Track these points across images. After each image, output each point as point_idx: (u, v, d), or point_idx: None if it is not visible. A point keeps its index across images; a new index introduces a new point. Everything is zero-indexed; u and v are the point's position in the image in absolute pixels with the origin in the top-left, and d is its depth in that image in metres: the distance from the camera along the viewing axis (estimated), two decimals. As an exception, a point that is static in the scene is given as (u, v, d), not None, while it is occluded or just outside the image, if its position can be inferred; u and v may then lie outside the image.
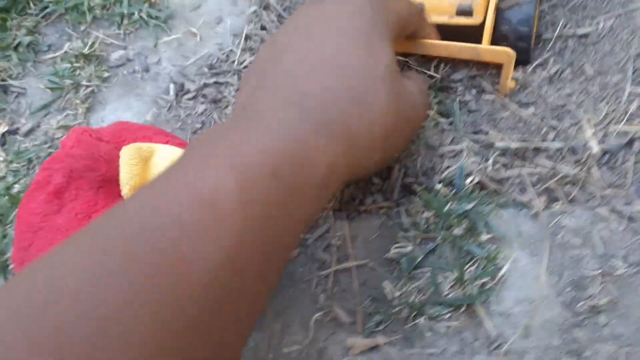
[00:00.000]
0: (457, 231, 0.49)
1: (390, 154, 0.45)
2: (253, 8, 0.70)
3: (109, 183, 0.42)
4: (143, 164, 0.42)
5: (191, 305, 0.23)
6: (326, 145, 0.32)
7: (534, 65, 0.65)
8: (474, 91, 0.60)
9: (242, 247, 0.25)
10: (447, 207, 0.49)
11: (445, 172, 0.52)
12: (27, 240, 0.40)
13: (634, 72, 0.57)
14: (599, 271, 0.46)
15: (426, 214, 0.50)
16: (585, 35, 0.66)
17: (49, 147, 0.64)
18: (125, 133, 0.47)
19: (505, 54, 0.55)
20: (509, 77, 0.57)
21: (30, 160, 0.63)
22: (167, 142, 0.47)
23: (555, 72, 0.63)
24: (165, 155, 0.43)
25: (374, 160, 0.41)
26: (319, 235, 0.54)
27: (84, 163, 0.41)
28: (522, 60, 0.63)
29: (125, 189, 0.41)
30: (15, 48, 0.68)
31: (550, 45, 0.67)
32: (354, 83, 0.37)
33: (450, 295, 0.46)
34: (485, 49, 0.55)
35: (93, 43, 0.68)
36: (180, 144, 0.49)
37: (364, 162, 0.39)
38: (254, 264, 0.26)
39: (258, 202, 0.26)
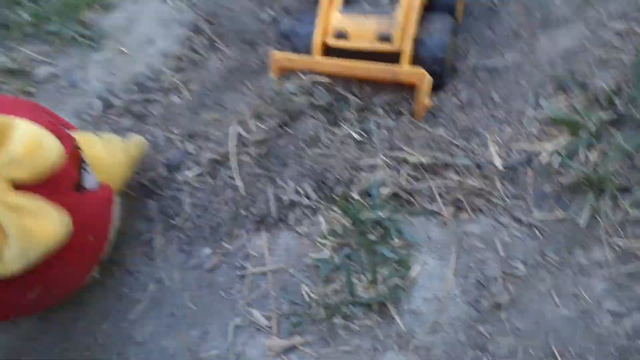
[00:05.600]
0: (372, 237, 0.51)
1: None
2: (184, 31, 0.72)
3: None
4: None
5: None
6: None
7: (447, 92, 0.70)
8: (392, 115, 0.64)
9: None
10: (363, 216, 0.52)
11: (362, 184, 0.54)
12: None
13: (535, 100, 0.62)
14: (501, 272, 0.50)
15: (343, 222, 0.53)
16: (494, 68, 0.72)
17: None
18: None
19: (419, 74, 0.59)
20: (424, 97, 0.61)
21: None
22: (46, 122, 0.42)
23: (467, 100, 0.69)
24: (25, 130, 0.40)
25: None
26: (240, 245, 0.55)
27: None
28: (437, 85, 0.68)
29: None
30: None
31: (463, 75, 0.73)
32: None
33: (364, 296, 0.48)
34: (402, 70, 0.60)
35: (18, 58, 0.68)
36: (65, 125, 0.46)
37: None
38: None
39: None
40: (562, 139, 0.55)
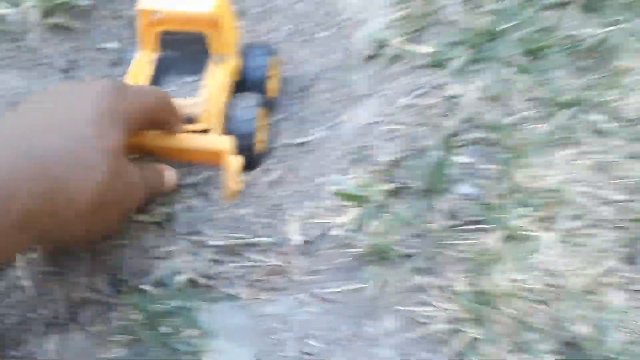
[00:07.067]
0: (164, 329, 0.50)
1: (99, 228, 0.48)
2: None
3: None
4: None
5: None
6: (28, 192, 0.38)
7: (260, 171, 0.72)
8: (201, 197, 0.63)
9: None
10: (155, 307, 0.50)
11: (156, 273, 0.53)
12: None
13: (334, 174, 0.64)
14: (297, 352, 0.50)
15: (136, 316, 0.51)
16: (303, 144, 0.75)
17: None
18: None
19: (223, 144, 0.60)
20: (232, 177, 0.61)
21: None
22: None
23: (277, 177, 0.70)
24: None
25: (79, 229, 0.45)
26: (28, 351, 0.51)
27: None
28: (251, 164, 0.70)
29: None
30: None
31: (276, 153, 0.75)
32: (76, 154, 0.42)
33: (153, 395, 0.46)
34: (204, 143, 0.60)
35: None
36: None
37: (67, 227, 0.42)
38: None
39: None
40: (352, 212, 0.57)
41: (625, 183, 0.55)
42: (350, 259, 0.55)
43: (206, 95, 0.67)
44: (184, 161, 0.62)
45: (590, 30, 0.64)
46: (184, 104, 0.65)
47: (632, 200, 0.54)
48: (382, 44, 0.77)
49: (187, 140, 0.60)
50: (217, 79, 0.69)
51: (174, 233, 0.58)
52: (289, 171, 0.71)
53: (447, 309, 0.50)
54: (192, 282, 0.54)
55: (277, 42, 0.93)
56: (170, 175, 0.57)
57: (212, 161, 0.62)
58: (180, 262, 0.54)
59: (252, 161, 0.71)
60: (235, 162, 0.61)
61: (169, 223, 0.59)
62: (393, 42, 0.72)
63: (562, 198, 0.53)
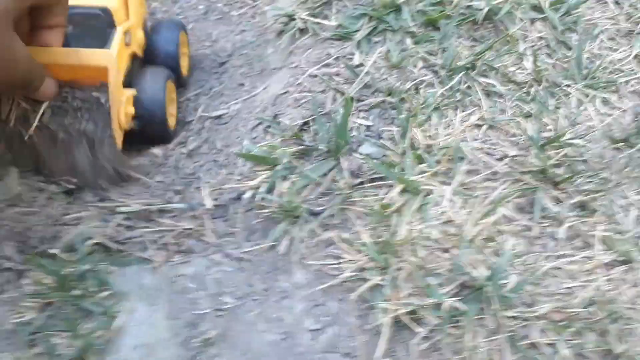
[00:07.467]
0: (75, 292, 0.50)
1: None
2: None
3: None
4: None
5: None
6: None
7: (175, 144, 0.73)
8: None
9: None
10: (66, 271, 0.50)
11: (66, 238, 0.53)
12: None
13: (248, 142, 0.66)
14: (211, 309, 0.51)
15: (48, 280, 0.51)
16: (219, 117, 0.76)
17: None
18: None
19: (104, 57, 0.57)
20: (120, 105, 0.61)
21: None
22: None
23: (193, 148, 0.71)
24: None
25: None
26: None
27: None
28: (162, 138, 0.70)
29: None
30: None
31: (192, 126, 0.76)
32: None
33: (65, 354, 0.47)
34: (84, 57, 0.55)
35: None
36: None
37: None
38: None
39: None
40: (263, 175, 0.59)
41: (517, 140, 0.60)
42: (262, 219, 0.57)
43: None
44: (64, 80, 0.55)
45: (483, 2, 0.69)
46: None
47: (523, 155, 0.59)
48: (290, 19, 0.79)
49: (66, 54, 0.55)
50: (118, 47, 0.67)
51: (83, 201, 0.58)
52: (204, 143, 0.72)
53: (354, 260, 0.52)
54: (103, 247, 0.54)
55: (192, 21, 0.94)
56: (50, 82, 0.53)
57: (93, 78, 0.56)
58: (90, 228, 0.54)
59: (164, 134, 0.71)
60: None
61: (77, 192, 0.59)
62: (300, 17, 0.75)
63: (458, 154, 0.57)
